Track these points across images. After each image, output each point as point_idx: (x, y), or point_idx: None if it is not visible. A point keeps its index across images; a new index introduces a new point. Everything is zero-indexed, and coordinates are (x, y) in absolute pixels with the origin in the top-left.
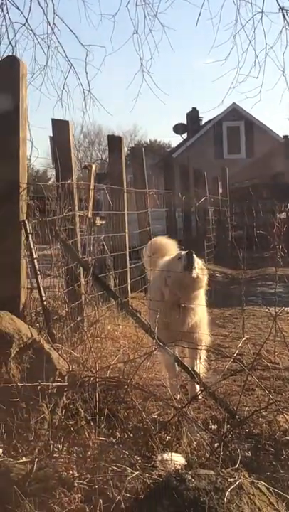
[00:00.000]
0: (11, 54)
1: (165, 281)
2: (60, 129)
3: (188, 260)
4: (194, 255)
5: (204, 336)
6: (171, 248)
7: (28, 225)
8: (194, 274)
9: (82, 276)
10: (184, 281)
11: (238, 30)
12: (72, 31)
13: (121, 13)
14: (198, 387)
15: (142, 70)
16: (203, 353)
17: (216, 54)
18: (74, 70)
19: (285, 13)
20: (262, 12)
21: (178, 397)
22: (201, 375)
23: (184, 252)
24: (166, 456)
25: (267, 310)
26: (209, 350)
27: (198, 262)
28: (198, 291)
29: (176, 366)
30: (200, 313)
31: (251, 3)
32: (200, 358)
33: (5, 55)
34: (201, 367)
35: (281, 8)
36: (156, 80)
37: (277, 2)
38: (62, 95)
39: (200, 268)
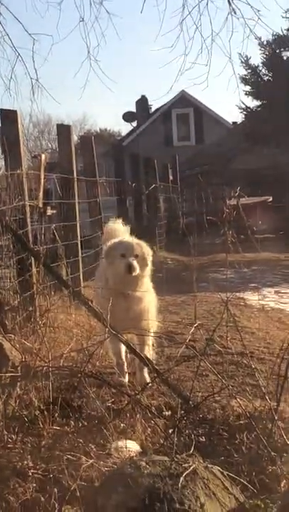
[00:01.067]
0: None
1: (107, 268)
2: (8, 118)
3: (128, 268)
4: (134, 263)
5: (152, 322)
6: (124, 235)
7: None
8: (135, 274)
9: (33, 266)
10: (126, 279)
11: (184, 17)
12: (18, 19)
13: (67, 0)
14: (147, 374)
15: (89, 57)
16: (151, 340)
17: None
18: (21, 59)
19: (231, 0)
20: None
21: (126, 380)
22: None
23: (124, 242)
24: (120, 443)
25: (218, 296)
26: (162, 336)
27: (144, 251)
28: (140, 281)
29: (124, 353)
30: (146, 300)
31: None
32: (149, 345)
33: None
34: (150, 354)
35: None
36: (104, 68)
37: None
38: (10, 85)
39: (143, 258)
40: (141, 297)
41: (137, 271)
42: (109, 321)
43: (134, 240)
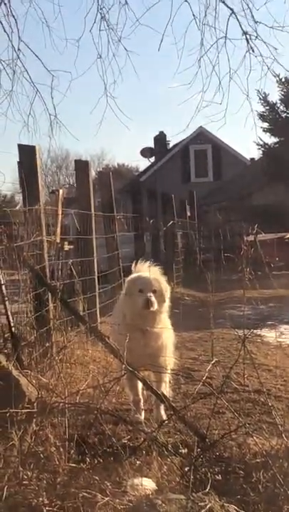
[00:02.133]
0: None
1: (125, 303)
2: (27, 154)
3: (145, 303)
4: (152, 299)
5: (169, 359)
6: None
7: None
8: (153, 309)
9: (50, 301)
10: (143, 313)
11: (202, 55)
12: (37, 56)
13: (85, 38)
14: (163, 411)
15: (105, 94)
16: (167, 377)
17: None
18: (40, 95)
19: (249, 38)
20: (225, 37)
21: (142, 417)
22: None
23: (143, 277)
24: (136, 481)
25: (236, 332)
26: (178, 373)
27: (162, 286)
28: (158, 317)
29: (140, 389)
30: (164, 336)
31: (215, 28)
32: (166, 381)
33: None
34: (167, 391)
35: (245, 33)
36: (121, 105)
37: (241, 27)
38: (28, 121)
39: (161, 294)
40: (159, 333)
41: (155, 306)
42: (126, 357)
43: (152, 276)
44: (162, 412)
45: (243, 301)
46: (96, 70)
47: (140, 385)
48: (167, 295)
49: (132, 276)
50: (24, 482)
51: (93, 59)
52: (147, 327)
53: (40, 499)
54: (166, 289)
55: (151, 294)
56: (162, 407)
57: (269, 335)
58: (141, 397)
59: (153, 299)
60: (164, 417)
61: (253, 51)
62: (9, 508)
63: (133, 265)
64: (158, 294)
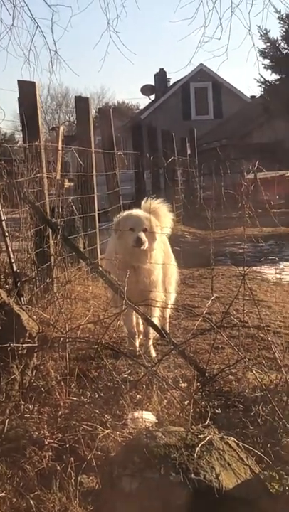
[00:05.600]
0: None
1: (117, 238)
2: (26, 90)
3: (137, 242)
4: (143, 236)
5: (170, 294)
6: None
7: None
8: (144, 247)
9: (51, 238)
10: (134, 251)
11: None
12: None
13: None
14: (152, 348)
15: (108, 29)
16: (168, 312)
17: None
18: (40, 30)
19: None
20: None
21: (136, 349)
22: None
23: (133, 215)
24: (136, 414)
25: (235, 269)
26: (178, 309)
27: (153, 224)
28: (150, 253)
29: (134, 323)
30: (155, 272)
31: None
32: (166, 317)
33: None
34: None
35: None
36: (124, 40)
37: None
38: (29, 56)
39: (152, 232)
40: (150, 270)
41: (146, 245)
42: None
43: (143, 214)
44: (151, 347)
45: (243, 238)
46: (98, 4)
47: (135, 319)
48: (158, 232)
49: (123, 214)
50: (25, 415)
51: None
52: (138, 264)
53: (42, 432)
54: (157, 227)
55: (142, 233)
56: (151, 341)
57: (269, 272)
58: (135, 330)
59: (144, 236)
60: (153, 352)
61: None
62: (11, 440)
63: (143, 201)
64: (149, 231)
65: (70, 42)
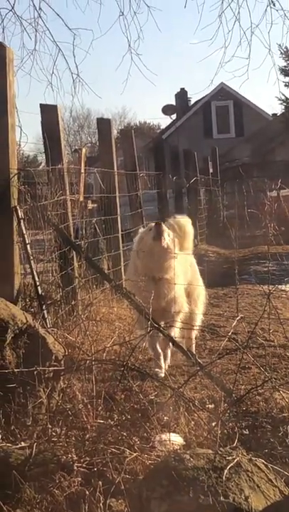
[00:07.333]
0: None
1: (137, 253)
2: (48, 114)
3: (157, 230)
4: (163, 226)
5: (196, 315)
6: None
7: (19, 211)
8: (164, 243)
9: (75, 260)
10: (154, 250)
11: (223, 10)
12: (58, 15)
13: None
14: (171, 345)
15: (130, 51)
16: (194, 333)
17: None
18: (62, 53)
19: None
20: None
21: (162, 372)
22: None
23: (153, 224)
24: (164, 436)
25: (260, 288)
26: (204, 329)
27: (168, 233)
28: (169, 261)
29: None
30: (177, 287)
31: None
32: (192, 338)
33: None
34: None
35: None
36: (144, 62)
37: None
38: (51, 79)
39: (171, 239)
40: (170, 281)
41: (166, 240)
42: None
43: (165, 226)
44: (170, 345)
45: (267, 256)
46: (118, 27)
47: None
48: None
49: (145, 229)
50: (53, 439)
51: (115, 17)
52: (158, 274)
53: (70, 455)
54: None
55: (163, 224)
56: (166, 364)
57: None
58: (161, 351)
59: (164, 226)
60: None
61: (274, 5)
62: (39, 464)
63: (171, 218)
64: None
65: (91, 64)
